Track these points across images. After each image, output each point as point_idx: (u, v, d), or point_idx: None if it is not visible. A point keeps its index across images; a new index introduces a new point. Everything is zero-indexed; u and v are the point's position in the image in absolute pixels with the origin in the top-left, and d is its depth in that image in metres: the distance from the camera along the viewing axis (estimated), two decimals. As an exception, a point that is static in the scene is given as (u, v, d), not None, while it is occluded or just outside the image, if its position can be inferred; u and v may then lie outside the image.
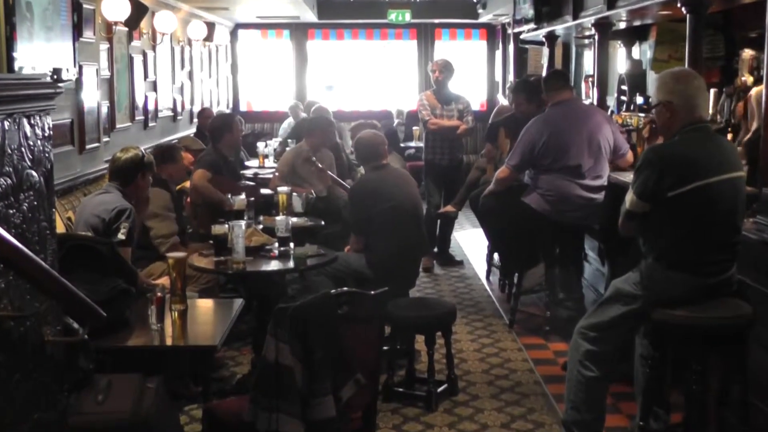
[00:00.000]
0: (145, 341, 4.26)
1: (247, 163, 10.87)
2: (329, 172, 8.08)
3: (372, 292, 3.96)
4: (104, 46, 8.24)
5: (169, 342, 4.26)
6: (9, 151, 2.56)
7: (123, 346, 4.20)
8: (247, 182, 8.35)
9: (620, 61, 10.72)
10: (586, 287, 7.42)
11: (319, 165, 7.90)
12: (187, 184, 7.57)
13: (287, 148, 10.48)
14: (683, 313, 4.25)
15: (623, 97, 9.64)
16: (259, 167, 10.54)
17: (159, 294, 4.29)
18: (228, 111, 14.45)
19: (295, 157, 8.36)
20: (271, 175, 9.24)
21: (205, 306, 5.04)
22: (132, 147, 5.92)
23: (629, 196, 4.41)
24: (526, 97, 7.99)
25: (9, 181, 2.55)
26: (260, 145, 11.24)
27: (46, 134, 2.84)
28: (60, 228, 5.77)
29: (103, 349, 3.99)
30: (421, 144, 10.64)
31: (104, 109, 8.20)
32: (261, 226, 6.38)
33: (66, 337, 2.93)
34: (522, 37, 11.60)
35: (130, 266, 4.95)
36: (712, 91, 6.68)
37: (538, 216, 6.75)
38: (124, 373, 3.91)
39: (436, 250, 9.76)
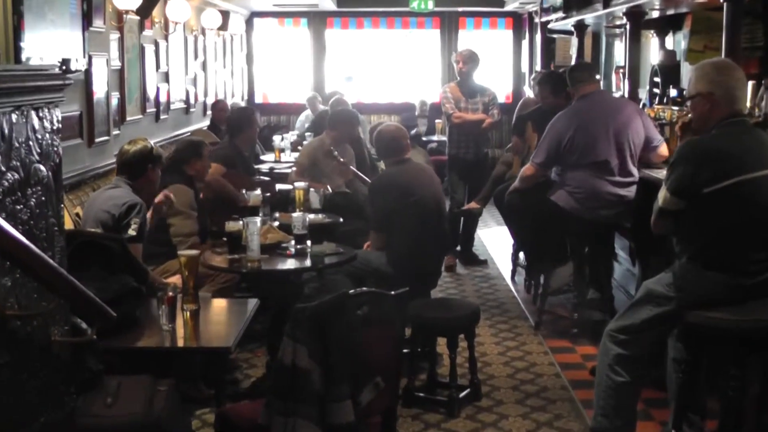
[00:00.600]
0: (155, 342, 4.27)
1: (262, 157, 10.89)
2: (351, 167, 8.08)
3: (392, 293, 3.96)
4: (115, 36, 8.27)
5: (180, 343, 4.28)
6: (16, 144, 2.57)
7: (133, 347, 4.21)
8: (263, 177, 8.37)
9: (653, 51, 10.69)
10: (615, 288, 7.39)
11: (341, 159, 7.90)
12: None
13: (305, 142, 10.50)
14: (719, 315, 4.23)
15: (656, 90, 9.59)
16: (275, 161, 10.57)
17: (170, 293, 4.30)
18: (243, 103, 14.48)
19: (317, 150, 8.37)
20: (287, 170, 9.25)
21: (218, 306, 5.05)
22: (140, 139, 5.94)
23: (662, 193, 4.39)
24: (551, 89, 7.99)
25: (16, 175, 2.56)
26: (276, 138, 11.27)
27: (55, 127, 2.85)
28: (68, 224, 5.79)
29: (113, 350, 4.00)
30: (444, 138, 10.62)
31: (114, 101, 8.22)
32: (277, 223, 6.38)
33: (74, 337, 2.94)
34: (550, 26, 11.57)
35: (140, 264, 4.97)
36: (750, 83, 6.64)
37: (566, 214, 6.73)
38: (134, 375, 3.92)
39: (459, 248, 9.75)
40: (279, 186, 8.08)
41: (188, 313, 4.51)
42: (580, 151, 6.64)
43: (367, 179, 7.61)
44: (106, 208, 5.51)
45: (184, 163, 6.73)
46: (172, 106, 10.58)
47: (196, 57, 11.91)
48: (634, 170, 6.63)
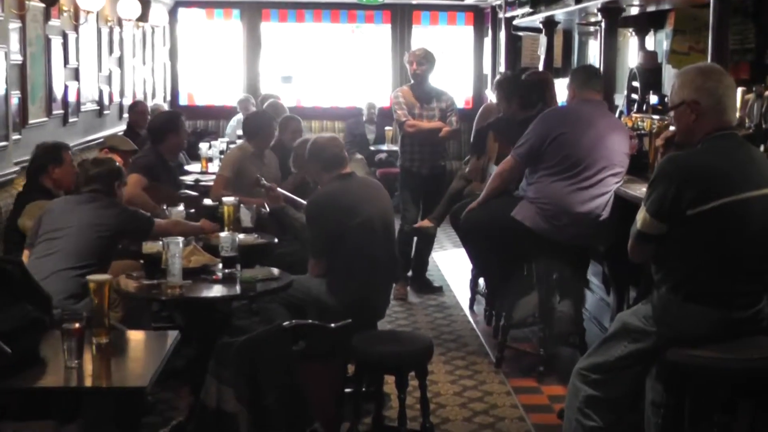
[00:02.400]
0: (60, 381, 4.20)
1: (187, 168, 10.82)
2: (281, 190, 8.02)
3: (334, 325, 3.94)
4: (15, 25, 8.18)
5: (89, 382, 4.22)
6: None
7: (33, 387, 4.14)
8: (187, 191, 8.31)
9: (632, 52, 10.81)
10: (587, 320, 7.43)
11: (269, 185, 7.83)
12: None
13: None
14: (704, 353, 4.25)
15: (634, 96, 9.69)
16: (202, 172, 10.50)
17: (77, 324, 4.23)
18: (165, 105, 14.40)
19: (240, 160, 8.32)
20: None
21: (133, 339, 4.99)
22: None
23: (641, 215, 4.42)
24: (520, 102, 8.03)
25: None
26: (203, 146, 11.21)
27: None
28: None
29: (9, 391, 3.94)
30: (395, 148, 10.65)
31: (14, 101, 8.12)
32: (202, 244, 6.34)
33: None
34: (515, 22, 11.67)
35: (43, 290, 4.90)
36: (740, 89, 6.72)
37: (531, 235, 6.75)
38: (35, 420, 3.86)
39: (410, 274, 9.76)
40: (205, 201, 8.02)
41: (98, 348, 4.45)
42: (563, 155, 6.66)
43: (300, 201, 7.58)
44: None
45: (41, 172, 6.73)
46: (83, 108, 10.49)
47: (111, 51, 11.83)
48: (611, 185, 6.67)
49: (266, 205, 7.65)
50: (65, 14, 9.76)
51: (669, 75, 9.40)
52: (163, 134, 7.71)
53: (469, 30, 16.21)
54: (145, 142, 8.60)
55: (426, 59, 9.50)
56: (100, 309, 4.52)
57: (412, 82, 9.63)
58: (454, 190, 9.00)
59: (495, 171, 7.21)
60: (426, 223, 9.22)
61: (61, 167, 6.83)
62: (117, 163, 6.41)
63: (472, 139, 9.14)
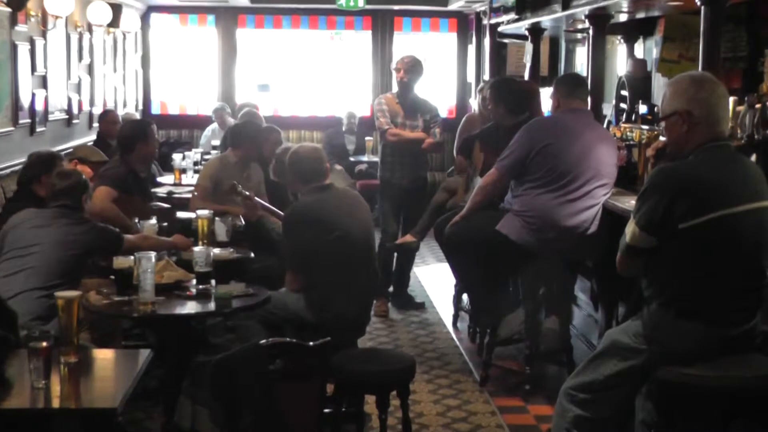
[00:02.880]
0: (26, 402, 4.18)
1: (159, 179, 10.79)
2: (258, 199, 8.02)
3: (312, 343, 3.93)
4: (-20, 31, 8.16)
5: (56, 404, 4.20)
6: None
7: (-2, 408, 4.13)
8: (160, 203, 8.28)
9: (620, 60, 10.84)
10: (575, 337, 7.43)
11: (246, 193, 7.82)
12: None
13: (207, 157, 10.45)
14: (696, 371, 4.26)
15: (623, 105, 9.72)
16: (175, 184, 10.47)
17: (45, 343, 4.21)
18: (137, 114, 14.38)
19: (220, 170, 8.31)
20: (189, 194, 9.17)
21: (103, 358, 4.98)
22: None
23: (630, 228, 4.42)
24: (507, 108, 8.01)
25: None
26: (176, 157, 11.16)
27: None
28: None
29: (-27, 412, 3.91)
30: (376, 158, 10.63)
31: (-21, 110, 8.11)
32: (175, 259, 6.32)
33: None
34: (500, 29, 11.67)
35: (8, 307, 4.88)
36: (732, 99, 6.74)
37: (517, 249, 6.75)
38: (0, 442, 3.84)
39: (391, 289, 9.75)
40: (179, 214, 8.00)
41: (66, 367, 4.43)
42: (549, 167, 6.66)
43: (279, 212, 7.57)
44: None
45: (33, 181, 6.74)
46: (51, 117, 10.46)
47: (80, 58, 11.81)
48: (599, 198, 6.68)
49: (241, 218, 7.64)
50: (32, 19, 9.74)
51: (658, 84, 9.44)
52: (132, 144, 7.68)
53: (452, 37, 16.25)
54: (116, 153, 8.58)
55: (414, 69, 9.50)
56: (68, 327, 4.49)
57: (397, 90, 9.63)
58: (437, 202, 9.00)
59: (478, 184, 7.21)
60: (408, 238, 9.20)
61: None
62: (84, 176, 6.39)
63: (458, 145, 9.10)
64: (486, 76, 12.99)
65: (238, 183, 7.84)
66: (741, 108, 6.50)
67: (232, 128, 9.22)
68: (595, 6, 7.81)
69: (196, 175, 10.42)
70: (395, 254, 9.63)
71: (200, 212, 7.02)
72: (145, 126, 7.98)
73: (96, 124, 12.00)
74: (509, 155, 6.84)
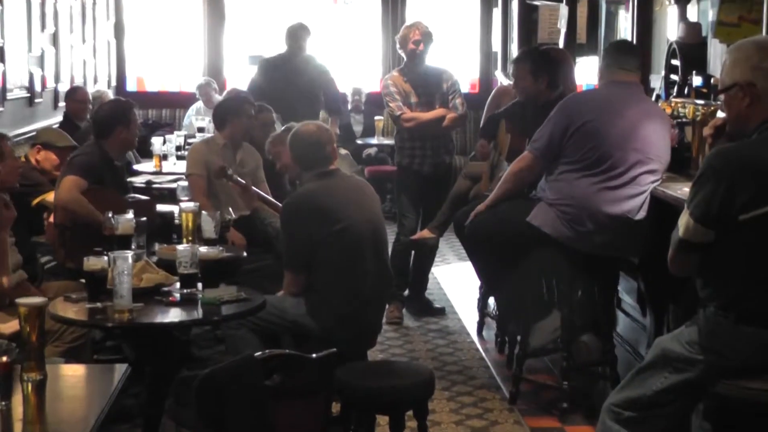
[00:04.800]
0: (-16, 425, 4.20)
1: (136, 167, 10.81)
2: (254, 188, 8.03)
3: (315, 355, 3.94)
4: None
5: (18, 428, 4.20)
6: None
7: (-48, 432, 4.14)
8: (137, 195, 8.30)
9: (670, 25, 10.81)
10: (619, 346, 7.43)
11: (238, 178, 7.83)
12: (50, 196, 7.51)
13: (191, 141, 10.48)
14: (760, 385, 4.26)
15: (674, 76, 9.70)
16: (155, 173, 10.49)
17: (4, 357, 4.22)
18: (110, 91, 14.40)
19: (209, 154, 8.32)
20: (171, 185, 9.20)
21: (72, 374, 4.98)
22: None
23: (684, 219, 4.42)
24: (532, 70, 7.99)
25: None
26: (156, 141, 11.19)
27: None
28: None
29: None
30: (387, 141, 10.64)
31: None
32: (156, 259, 6.33)
33: None
34: (530, -10, 11.68)
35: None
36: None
37: (551, 244, 6.75)
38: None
39: (407, 293, 9.76)
40: (160, 207, 8.01)
41: (30, 386, 4.44)
42: (588, 147, 6.65)
43: (276, 203, 7.58)
44: None
45: None
46: (10, 95, 10.47)
47: (43, 27, 11.81)
48: (646, 184, 6.67)
49: (231, 210, 7.65)
50: (-12, -17, 9.76)
51: (716, 51, 9.40)
52: (110, 128, 7.68)
53: (474, 1, 16.23)
54: (86, 137, 8.59)
55: (431, 36, 9.47)
56: (32, 339, 4.50)
57: (405, 64, 9.60)
58: (458, 192, 8.99)
59: (508, 170, 7.18)
60: (426, 233, 9.18)
61: (2, 162, 6.80)
62: None
63: (482, 124, 9.09)
64: (514, 45, 12.98)
65: (229, 168, 7.87)
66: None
67: (214, 109, 9.24)
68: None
69: (180, 162, 10.45)
70: (412, 252, 9.64)
71: (184, 205, 7.05)
72: (127, 108, 7.97)
73: (62, 104, 12.03)
74: (542, 136, 6.82)
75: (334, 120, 11.48)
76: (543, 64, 7.76)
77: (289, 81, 11.03)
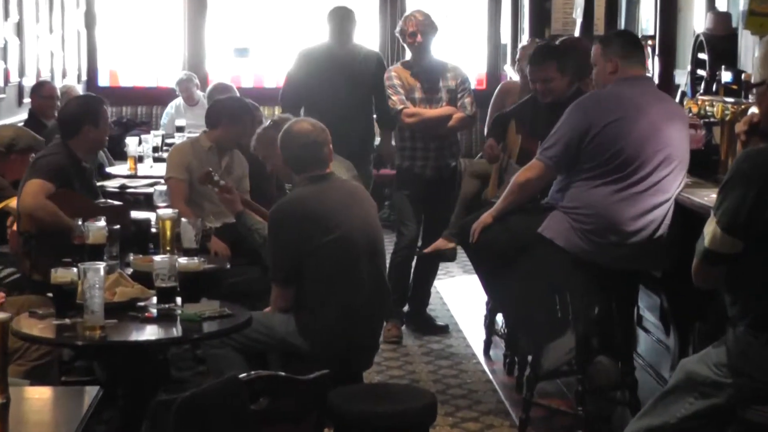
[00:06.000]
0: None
1: (109, 170, 10.82)
2: (239, 194, 8.04)
3: (304, 377, 3.95)
4: None
5: (-22, 456, 4.22)
6: None
7: None
8: (110, 200, 8.30)
9: (697, 14, 10.82)
10: (640, 368, 7.44)
11: (223, 183, 7.83)
12: (12, 202, 7.51)
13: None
14: (795, 411, 4.27)
15: (701, 72, 9.71)
16: (129, 176, 10.50)
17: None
18: (80, 86, 14.41)
19: (189, 156, 8.32)
20: (148, 189, 9.20)
21: (38, 398, 4.98)
22: None
23: (710, 228, 4.43)
24: (559, 66, 7.97)
25: None
26: (131, 141, 11.19)
27: None
28: None
29: None
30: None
31: None
32: (131, 271, 6.34)
33: None
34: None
35: None
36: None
37: (565, 257, 6.76)
38: None
39: (406, 309, 9.77)
40: (135, 214, 8.02)
41: (-8, 410, 4.45)
42: (611, 152, 6.64)
43: (264, 210, 7.59)
44: None
45: None
46: (-30, 91, 10.49)
47: (6, 16, 11.82)
48: (671, 190, 6.67)
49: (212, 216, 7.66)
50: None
51: (747, 44, 9.42)
52: (77, 126, 7.67)
53: (481, -12, 16.28)
54: (53, 136, 8.59)
55: (432, 27, 9.43)
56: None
57: (409, 57, 9.60)
58: (468, 194, 8.99)
59: (514, 179, 7.15)
60: (442, 243, 9.04)
61: None
62: None
63: (489, 123, 9.08)
64: (525, 36, 12.99)
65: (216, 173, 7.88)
66: None
67: (210, 105, 9.20)
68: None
69: (157, 165, 10.45)
70: (412, 264, 9.64)
71: (162, 212, 7.05)
72: (96, 105, 7.96)
73: (27, 100, 12.03)
74: (557, 142, 6.79)
75: (387, 135, 10.34)
76: (567, 57, 7.74)
77: (335, 81, 9.80)
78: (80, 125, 7.66)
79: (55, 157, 7.60)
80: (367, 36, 15.99)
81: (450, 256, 9.18)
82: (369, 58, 10.16)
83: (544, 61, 8.00)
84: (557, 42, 8.58)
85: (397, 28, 9.71)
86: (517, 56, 9.60)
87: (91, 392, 4.72)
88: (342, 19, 10.06)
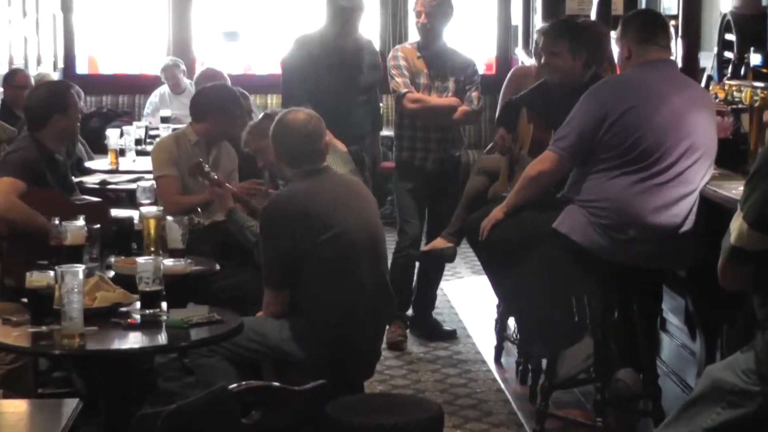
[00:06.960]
0: None
1: (88, 164, 10.83)
2: (231, 186, 8.05)
3: (300, 388, 3.96)
4: None
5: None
6: None
7: None
8: (88, 197, 8.31)
9: (723, -7, 10.84)
10: (663, 375, 7.46)
11: (214, 175, 7.84)
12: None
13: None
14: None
15: (728, 54, 9.72)
16: (110, 171, 10.50)
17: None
18: (56, 74, 14.42)
19: (175, 150, 8.33)
20: (131, 185, 9.20)
21: (13, 411, 4.99)
22: None
23: (737, 224, 4.43)
24: (571, 47, 7.97)
25: None
26: (111, 133, 11.19)
27: None
28: None
29: None
30: (388, 133, 10.63)
31: None
32: (112, 274, 6.35)
33: None
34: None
35: None
36: None
37: (582, 255, 6.77)
38: None
39: (411, 313, 9.78)
40: (116, 212, 8.02)
41: (-37, 424, 4.47)
42: (631, 141, 6.63)
43: (256, 206, 7.60)
44: None
45: None
46: (-64, 80, 10.51)
47: (-23, 0, 11.85)
48: (697, 182, 6.67)
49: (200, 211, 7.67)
50: None
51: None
52: (45, 116, 7.66)
53: (490, -35, 16.30)
54: (23, 129, 8.61)
55: (441, 9, 9.36)
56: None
57: (419, 39, 9.59)
58: (473, 190, 8.98)
59: (525, 171, 7.15)
60: (440, 243, 9.09)
61: None
62: None
63: (499, 111, 9.07)
64: (537, 18, 13.00)
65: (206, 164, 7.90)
66: None
67: (195, 95, 9.20)
68: None
69: (140, 158, 10.47)
70: (416, 264, 9.65)
71: (145, 210, 7.06)
72: (63, 90, 7.95)
73: (0, 89, 12.05)
74: (571, 131, 6.79)
75: (377, 137, 10.30)
76: (582, 38, 7.73)
77: (340, 76, 9.54)
78: (48, 115, 7.64)
79: (24, 152, 7.58)
80: (366, 19, 16.05)
81: (449, 257, 9.25)
82: (372, 53, 10.05)
83: (554, 36, 7.96)
84: (577, 22, 8.56)
85: (414, 7, 9.67)
86: (535, 40, 9.55)
87: (70, 405, 4.74)
88: (353, 11, 9.63)
